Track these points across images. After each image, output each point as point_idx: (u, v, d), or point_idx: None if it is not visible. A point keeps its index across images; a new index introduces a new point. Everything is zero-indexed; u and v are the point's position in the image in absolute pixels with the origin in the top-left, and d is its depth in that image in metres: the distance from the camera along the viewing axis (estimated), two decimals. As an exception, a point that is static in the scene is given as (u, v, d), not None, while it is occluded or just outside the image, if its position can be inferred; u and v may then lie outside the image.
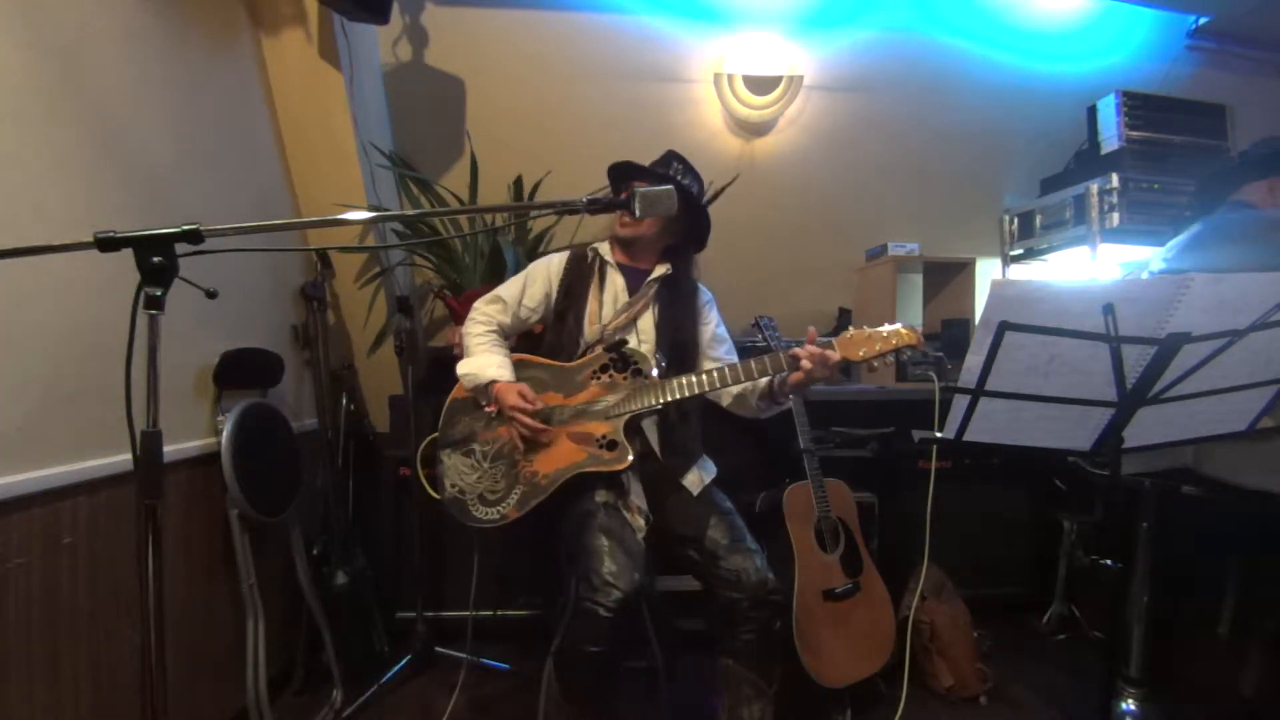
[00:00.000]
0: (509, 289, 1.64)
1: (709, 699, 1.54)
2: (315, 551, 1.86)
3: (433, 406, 1.61)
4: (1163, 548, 1.58)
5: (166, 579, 0.84)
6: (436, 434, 1.59)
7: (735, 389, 1.51)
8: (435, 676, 1.90)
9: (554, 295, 1.63)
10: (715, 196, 1.71)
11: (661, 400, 1.42)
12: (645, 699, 1.63)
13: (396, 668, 1.87)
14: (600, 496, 1.40)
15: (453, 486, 1.52)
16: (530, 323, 1.66)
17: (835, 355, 1.31)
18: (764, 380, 1.43)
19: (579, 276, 1.62)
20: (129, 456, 0.97)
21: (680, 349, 1.57)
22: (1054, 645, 2.09)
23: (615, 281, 1.61)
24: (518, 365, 1.55)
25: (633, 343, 1.54)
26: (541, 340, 1.68)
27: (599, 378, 1.48)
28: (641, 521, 1.39)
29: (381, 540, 2.04)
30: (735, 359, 1.61)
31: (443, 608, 2.02)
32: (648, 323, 1.57)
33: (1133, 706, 1.58)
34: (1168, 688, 1.63)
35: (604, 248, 1.64)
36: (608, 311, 1.57)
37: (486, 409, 1.52)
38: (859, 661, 1.66)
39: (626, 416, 1.42)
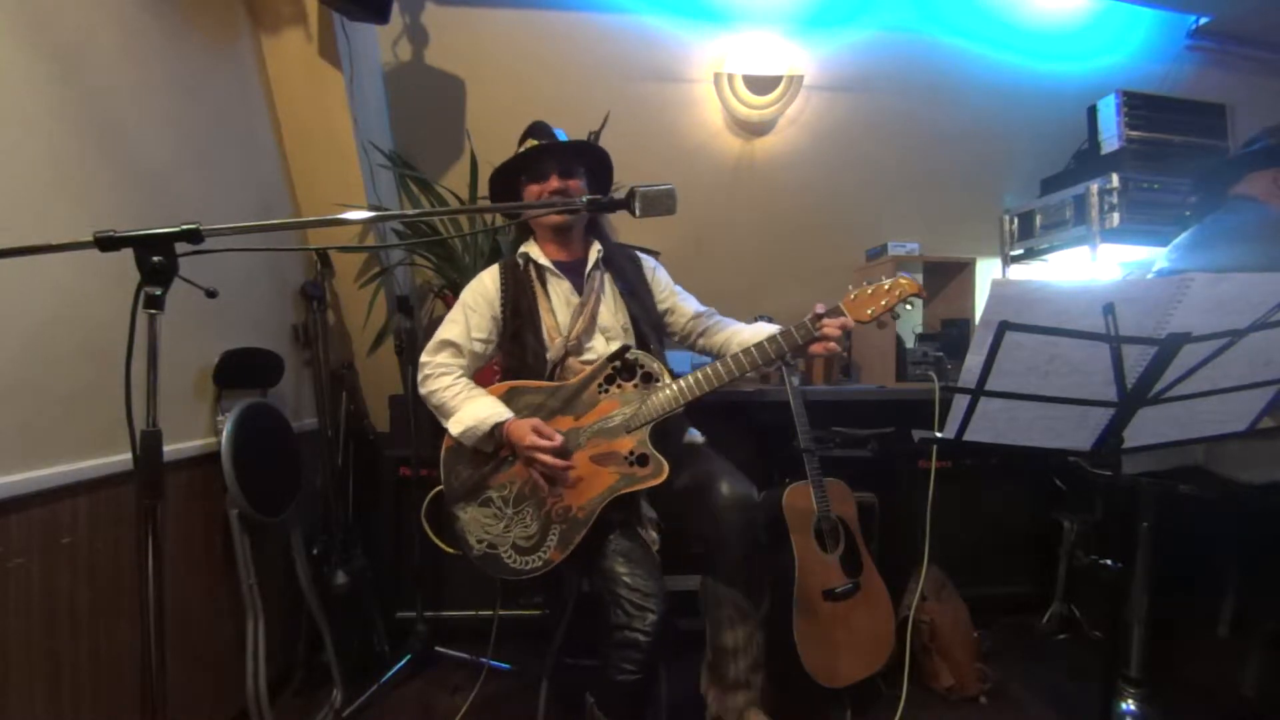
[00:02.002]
0: (452, 330, 1.52)
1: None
2: (315, 551, 1.86)
3: (431, 407, 1.58)
4: (1163, 548, 1.58)
5: (166, 579, 0.84)
6: (441, 488, 1.48)
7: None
8: (435, 676, 1.90)
9: (500, 317, 1.53)
10: (600, 130, 1.71)
11: (681, 400, 1.35)
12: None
13: (396, 667, 1.87)
14: (614, 516, 1.35)
15: (479, 542, 1.40)
16: (488, 355, 1.56)
17: (851, 321, 1.32)
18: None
19: (521, 291, 1.52)
20: (129, 456, 0.97)
21: (651, 328, 1.56)
22: (1054, 645, 2.08)
23: (559, 287, 1.54)
24: (511, 394, 1.45)
25: (600, 341, 1.50)
26: (501, 368, 1.58)
27: (606, 391, 1.40)
28: (655, 534, 1.36)
29: (381, 540, 2.04)
30: (707, 309, 1.64)
31: (443, 608, 2.01)
32: (607, 317, 1.53)
33: (1133, 706, 1.58)
34: (1168, 688, 1.63)
35: (533, 250, 1.56)
36: (563, 319, 1.50)
37: (502, 454, 1.42)
38: (859, 661, 1.66)
39: (649, 426, 1.35)
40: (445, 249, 2.25)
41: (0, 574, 1.07)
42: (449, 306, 2.23)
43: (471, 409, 1.40)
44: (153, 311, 0.81)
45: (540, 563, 1.36)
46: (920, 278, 2.66)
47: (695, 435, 1.60)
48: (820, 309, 1.32)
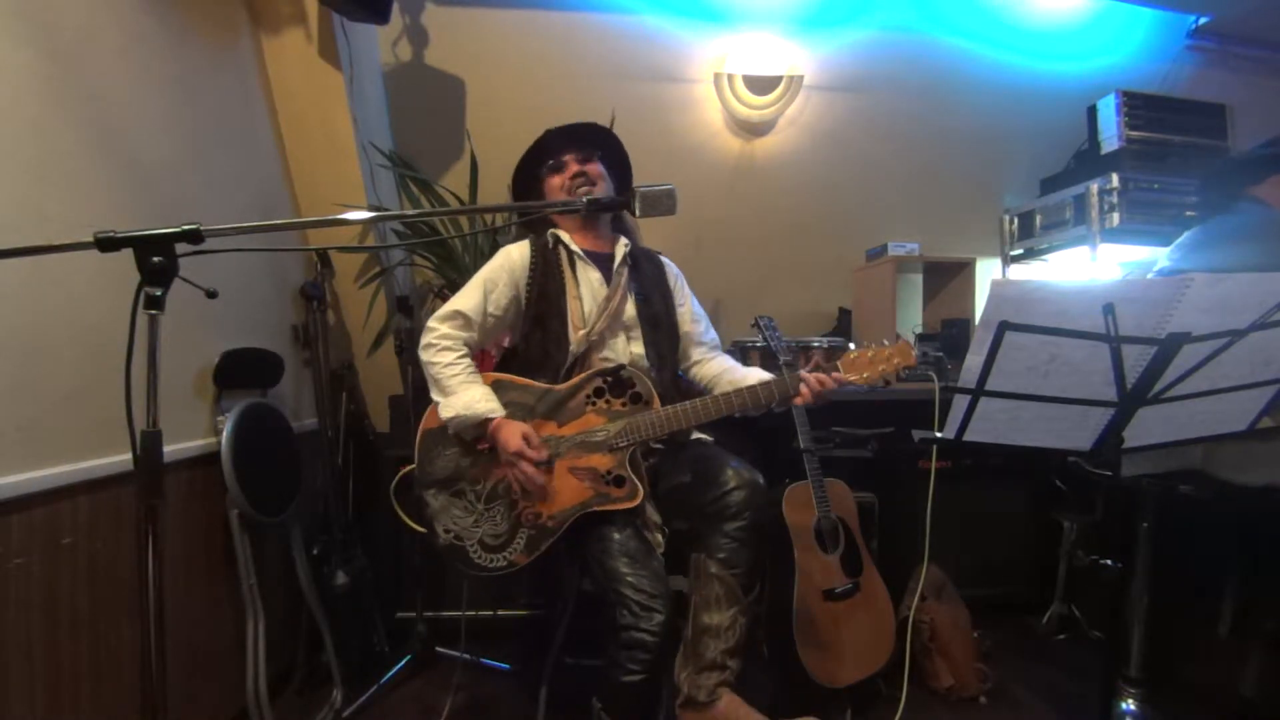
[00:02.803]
0: (468, 300, 1.45)
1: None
2: (315, 551, 1.85)
3: (427, 375, 1.57)
4: (1163, 548, 1.58)
5: (166, 579, 0.84)
6: (413, 467, 1.45)
7: (729, 389, 1.45)
8: (435, 676, 1.90)
9: (523, 298, 1.49)
10: (610, 125, 1.72)
11: (666, 429, 1.34)
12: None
13: (396, 668, 1.87)
14: (617, 519, 1.34)
15: (447, 532, 1.38)
16: (497, 331, 1.51)
17: (844, 378, 1.36)
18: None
19: (549, 273, 1.48)
20: (129, 456, 0.97)
21: (666, 335, 1.55)
22: (1054, 645, 2.08)
23: (590, 275, 1.49)
24: (496, 388, 1.41)
25: (622, 339, 1.49)
26: (513, 352, 1.55)
27: (594, 403, 1.37)
28: (660, 537, 1.36)
29: (381, 540, 2.04)
30: (714, 335, 1.64)
31: (443, 608, 2.01)
32: (631, 315, 1.51)
33: (1133, 706, 1.57)
34: (1168, 688, 1.62)
35: (564, 235, 1.52)
36: (589, 310, 1.46)
37: (479, 446, 1.39)
38: (859, 661, 1.66)
39: (631, 449, 1.34)
40: (445, 249, 2.25)
41: (0, 574, 1.07)
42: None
43: (466, 396, 1.37)
44: (153, 312, 0.81)
45: (505, 563, 1.35)
46: (920, 278, 2.68)
47: (702, 436, 1.60)
48: (816, 359, 1.37)
